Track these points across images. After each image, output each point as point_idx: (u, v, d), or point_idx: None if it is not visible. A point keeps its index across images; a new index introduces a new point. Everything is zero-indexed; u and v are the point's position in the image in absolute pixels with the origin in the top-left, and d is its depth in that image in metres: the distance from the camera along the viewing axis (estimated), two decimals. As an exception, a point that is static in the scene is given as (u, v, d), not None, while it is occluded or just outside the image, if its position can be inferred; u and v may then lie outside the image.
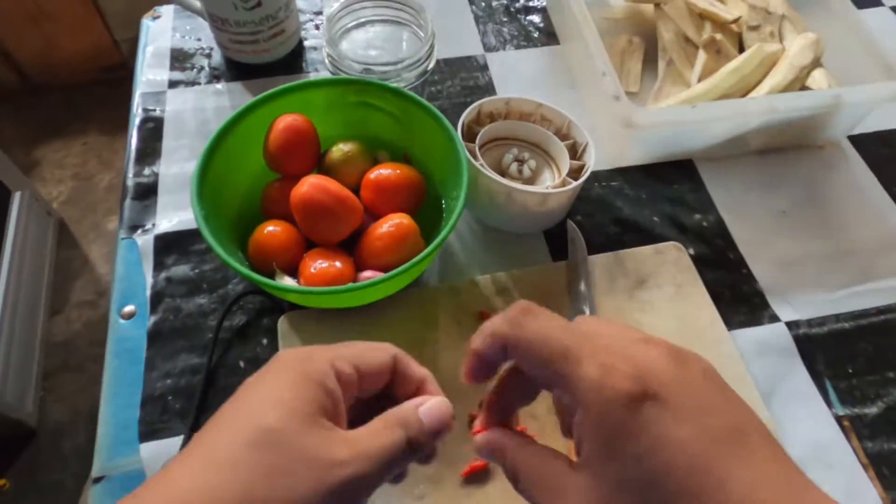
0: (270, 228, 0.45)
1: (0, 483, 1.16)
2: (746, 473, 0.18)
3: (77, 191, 1.59)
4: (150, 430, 0.43)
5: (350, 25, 0.55)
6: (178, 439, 0.42)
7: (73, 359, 1.33)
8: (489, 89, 0.63)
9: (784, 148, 0.59)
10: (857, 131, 0.61)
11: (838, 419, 0.45)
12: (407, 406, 0.24)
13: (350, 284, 0.40)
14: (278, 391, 0.22)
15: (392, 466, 0.22)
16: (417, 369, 0.26)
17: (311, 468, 0.20)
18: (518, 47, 0.67)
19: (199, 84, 0.62)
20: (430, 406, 0.24)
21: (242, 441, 0.20)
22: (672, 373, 0.20)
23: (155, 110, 0.60)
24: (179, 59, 0.64)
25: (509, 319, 0.23)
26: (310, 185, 0.43)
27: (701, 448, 0.19)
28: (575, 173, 0.51)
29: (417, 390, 0.26)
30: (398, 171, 0.46)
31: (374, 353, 0.25)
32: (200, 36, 0.66)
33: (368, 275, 0.43)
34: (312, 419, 0.21)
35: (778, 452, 0.20)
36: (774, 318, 0.49)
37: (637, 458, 0.19)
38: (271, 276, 0.43)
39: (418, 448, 0.23)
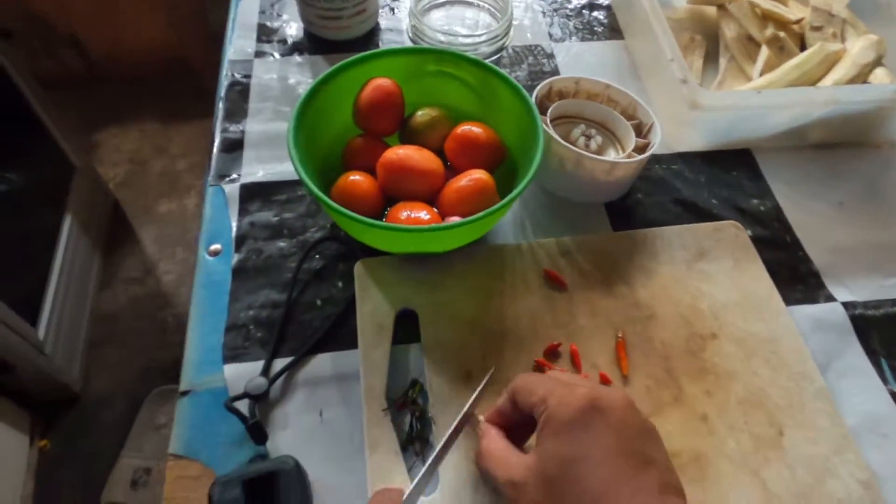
0: (354, 177, 0.48)
1: (42, 444, 1.20)
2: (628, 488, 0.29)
3: (131, 174, 1.66)
4: (232, 354, 0.45)
5: (433, 3, 0.59)
6: (259, 363, 0.45)
7: (117, 332, 1.38)
8: (555, 76, 0.66)
9: (842, 144, 0.61)
10: (914, 133, 0.62)
11: (893, 394, 0.46)
12: None
13: (434, 225, 0.43)
14: None
15: None
16: None
17: None
18: (583, 39, 0.70)
19: (282, 56, 0.66)
20: None
21: None
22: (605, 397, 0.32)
23: (242, 76, 0.64)
24: (265, 32, 0.68)
25: (509, 395, 0.36)
26: (399, 155, 0.47)
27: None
28: (639, 151, 0.53)
29: None
30: (483, 130, 0.49)
31: None
32: (283, 13, 0.70)
33: (453, 220, 0.46)
34: None
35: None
36: (830, 298, 0.50)
37: (576, 441, 0.31)
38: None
39: None
